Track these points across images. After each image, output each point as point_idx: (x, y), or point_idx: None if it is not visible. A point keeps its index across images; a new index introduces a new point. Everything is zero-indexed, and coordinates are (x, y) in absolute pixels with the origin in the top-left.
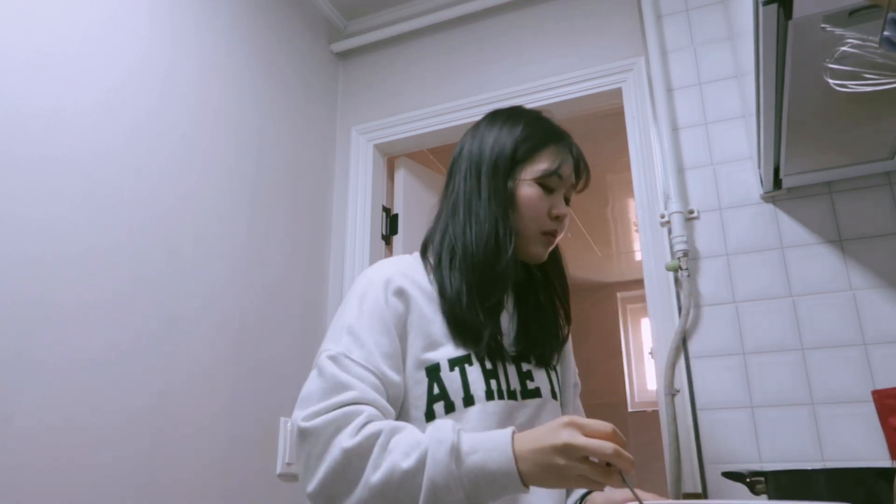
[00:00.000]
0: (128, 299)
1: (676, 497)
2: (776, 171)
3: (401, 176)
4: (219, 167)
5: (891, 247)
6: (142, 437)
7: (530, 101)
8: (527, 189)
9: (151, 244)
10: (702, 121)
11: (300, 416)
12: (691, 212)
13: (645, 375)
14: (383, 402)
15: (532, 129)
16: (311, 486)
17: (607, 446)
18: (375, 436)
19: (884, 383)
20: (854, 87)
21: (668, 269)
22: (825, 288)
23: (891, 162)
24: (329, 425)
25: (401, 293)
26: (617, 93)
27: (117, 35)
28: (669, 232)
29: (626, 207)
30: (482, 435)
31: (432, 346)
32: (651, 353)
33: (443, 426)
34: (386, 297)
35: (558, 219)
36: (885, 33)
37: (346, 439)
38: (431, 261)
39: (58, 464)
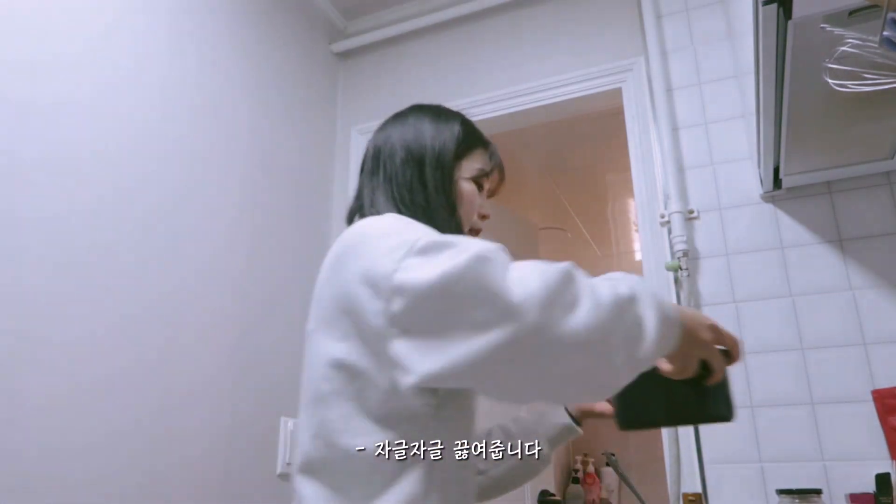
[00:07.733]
0: (128, 296)
1: (676, 497)
2: (776, 170)
3: None
4: (217, 168)
5: (891, 246)
6: (142, 438)
7: (530, 101)
8: (466, 185)
9: (149, 244)
10: (702, 121)
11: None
12: (691, 212)
13: None
14: None
15: (468, 129)
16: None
17: (738, 339)
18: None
19: (884, 383)
20: (854, 87)
21: (668, 268)
22: (825, 288)
23: (891, 161)
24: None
25: None
26: (617, 93)
27: (117, 37)
28: (669, 232)
29: (626, 207)
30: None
31: None
32: None
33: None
34: None
35: (483, 219)
36: (885, 33)
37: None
38: None
39: (60, 464)
